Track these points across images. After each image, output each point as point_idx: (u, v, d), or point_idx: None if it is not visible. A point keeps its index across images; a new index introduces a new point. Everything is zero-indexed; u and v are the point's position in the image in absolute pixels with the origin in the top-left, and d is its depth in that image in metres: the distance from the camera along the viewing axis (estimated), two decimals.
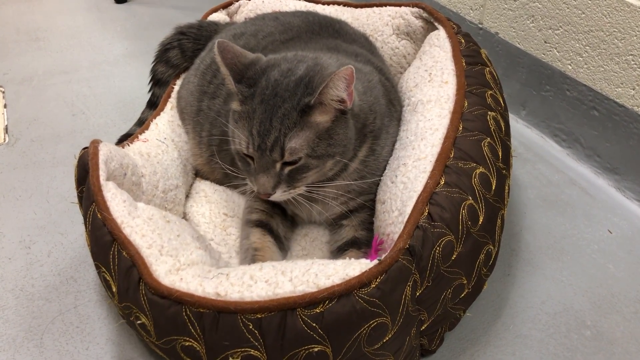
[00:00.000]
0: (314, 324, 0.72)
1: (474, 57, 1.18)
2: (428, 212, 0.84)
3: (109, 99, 1.65)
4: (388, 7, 1.41)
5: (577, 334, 0.97)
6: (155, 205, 1.06)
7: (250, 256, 0.98)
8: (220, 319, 0.74)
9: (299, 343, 0.73)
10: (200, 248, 0.92)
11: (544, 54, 1.40)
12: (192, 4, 2.23)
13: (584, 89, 1.31)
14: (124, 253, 0.82)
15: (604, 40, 1.24)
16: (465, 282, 0.87)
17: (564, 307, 1.02)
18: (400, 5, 1.39)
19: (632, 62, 1.19)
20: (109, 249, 0.83)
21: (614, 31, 1.21)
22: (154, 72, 1.39)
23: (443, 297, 0.85)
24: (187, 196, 1.21)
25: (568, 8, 1.30)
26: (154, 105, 1.42)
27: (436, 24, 1.29)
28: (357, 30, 1.30)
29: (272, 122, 0.86)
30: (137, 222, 0.86)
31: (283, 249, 1.05)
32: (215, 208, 1.15)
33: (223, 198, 1.18)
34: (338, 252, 1.03)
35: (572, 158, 1.38)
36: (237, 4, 1.52)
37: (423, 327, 0.86)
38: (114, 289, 0.82)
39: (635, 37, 1.17)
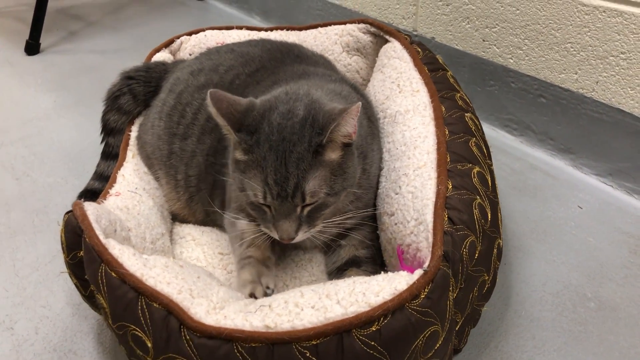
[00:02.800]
0: (372, 342, 0.72)
1: (434, 63, 1.23)
2: (448, 217, 0.86)
3: (51, 155, 1.56)
4: (333, 26, 1.44)
5: (583, 308, 1.04)
6: None
7: (238, 238, 0.98)
8: (274, 351, 0.72)
9: None
10: (222, 285, 0.89)
11: (483, 52, 1.48)
12: (111, 47, 2.16)
13: (528, 79, 1.40)
14: (155, 304, 0.78)
15: (542, 32, 1.33)
16: (487, 278, 0.91)
17: (564, 284, 1.08)
18: (345, 23, 1.42)
19: (572, 49, 1.29)
20: (136, 304, 0.79)
21: (550, 23, 1.30)
22: (105, 121, 1.33)
23: (471, 296, 0.88)
24: (172, 243, 1.16)
25: (502, 6, 1.39)
26: (109, 156, 1.36)
27: (387, 37, 1.33)
28: (315, 52, 1.31)
29: (287, 168, 0.84)
30: (157, 272, 0.82)
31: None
32: (209, 249, 1.12)
33: (213, 238, 1.14)
34: (337, 272, 1.03)
35: (526, 145, 1.47)
36: (178, 41, 1.49)
37: (457, 328, 0.88)
38: (149, 344, 0.78)
39: (570, 27, 1.27)
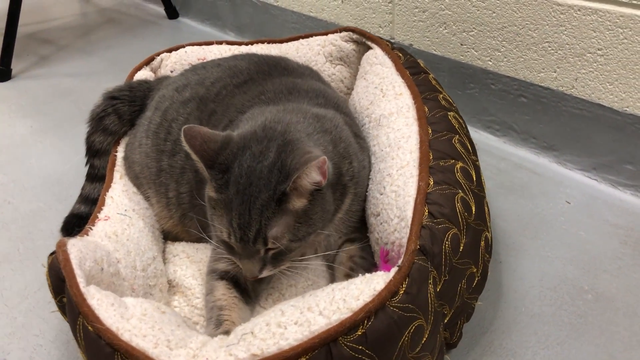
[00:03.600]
0: (360, 347, 0.72)
1: (415, 67, 1.24)
2: (428, 212, 0.87)
3: (32, 181, 1.52)
4: (314, 37, 1.45)
5: (581, 300, 1.05)
6: (139, 286, 0.99)
7: (216, 317, 0.94)
8: None
9: None
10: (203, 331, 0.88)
11: (462, 56, 1.50)
12: (84, 70, 2.13)
13: (508, 80, 1.43)
14: None
15: (519, 34, 1.36)
16: (474, 270, 0.91)
17: (560, 279, 1.10)
18: (326, 34, 1.43)
19: (549, 48, 1.32)
20: None
21: (527, 24, 1.33)
22: (90, 143, 1.31)
23: (459, 288, 0.88)
24: (165, 262, 1.14)
25: (478, 10, 1.41)
26: (95, 178, 1.33)
27: (369, 43, 1.34)
28: (301, 64, 1.31)
29: (251, 214, 0.84)
30: (134, 323, 0.79)
31: (250, 302, 1.00)
32: (204, 267, 1.09)
33: (208, 255, 1.13)
34: (335, 255, 1.04)
35: (510, 145, 1.49)
36: (158, 58, 1.48)
37: (446, 320, 0.88)
38: None
39: (547, 26, 1.30)
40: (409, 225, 0.85)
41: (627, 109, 1.24)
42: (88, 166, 1.34)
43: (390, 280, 0.74)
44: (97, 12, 2.74)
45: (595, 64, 1.25)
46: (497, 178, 1.38)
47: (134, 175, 1.22)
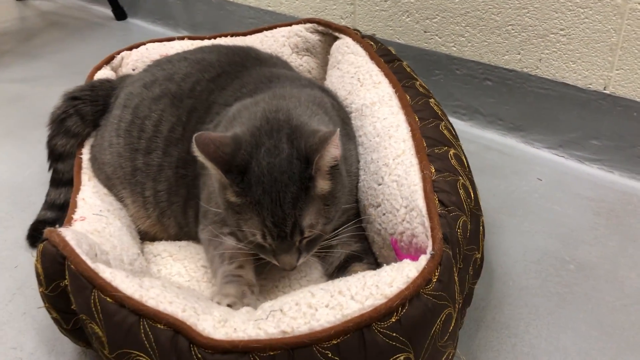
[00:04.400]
0: (394, 334, 0.71)
1: (388, 55, 1.25)
2: (439, 200, 0.87)
3: None
4: (278, 28, 1.43)
5: (564, 271, 1.08)
6: None
7: (228, 257, 0.95)
8: (295, 356, 0.70)
9: (384, 356, 0.71)
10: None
11: (426, 43, 1.52)
12: (32, 74, 2.04)
13: (473, 64, 1.46)
14: (160, 325, 0.73)
15: (482, 18, 1.39)
16: (478, 255, 0.92)
17: (542, 252, 1.13)
18: (290, 25, 1.42)
19: (513, 31, 1.35)
20: (138, 328, 0.73)
21: (490, 8, 1.36)
22: (51, 147, 1.25)
23: (468, 276, 0.89)
24: (147, 262, 1.10)
25: None
26: (60, 183, 1.28)
27: (337, 34, 1.34)
28: (270, 53, 1.30)
29: (284, 209, 0.83)
30: (156, 292, 0.77)
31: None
32: (190, 263, 1.07)
33: (192, 252, 1.09)
34: (339, 271, 1.01)
35: (477, 128, 1.52)
36: (119, 56, 1.43)
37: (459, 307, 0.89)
38: None
39: (510, 9, 1.33)
40: (425, 215, 0.84)
41: (591, 86, 1.29)
42: (51, 171, 1.28)
43: (424, 268, 0.74)
44: (38, 15, 2.62)
45: (558, 44, 1.30)
46: (469, 160, 1.40)
47: (105, 177, 1.17)
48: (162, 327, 0.73)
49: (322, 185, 0.86)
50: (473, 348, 0.95)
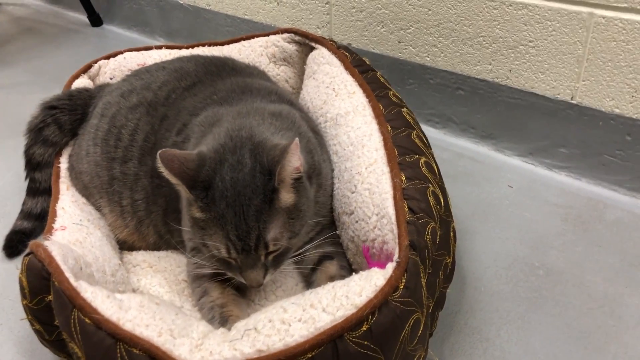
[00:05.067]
0: (365, 342, 0.73)
1: (362, 65, 1.27)
2: (408, 207, 0.90)
3: None
4: (256, 38, 1.45)
5: (534, 276, 1.12)
6: (111, 291, 0.96)
7: (219, 315, 0.94)
8: None
9: None
10: (200, 319, 0.87)
11: (400, 53, 1.56)
12: (5, 82, 2.02)
13: (446, 74, 1.49)
14: (135, 350, 0.73)
15: (454, 30, 1.42)
16: (448, 260, 0.95)
17: (513, 258, 1.16)
18: (267, 35, 1.44)
19: (484, 42, 1.39)
20: (114, 351, 0.74)
21: (462, 20, 1.40)
22: (29, 156, 1.25)
23: (438, 280, 0.92)
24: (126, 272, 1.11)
25: (414, 8, 1.47)
26: (37, 192, 1.28)
27: (313, 44, 1.36)
28: (248, 64, 1.31)
29: (247, 222, 0.84)
30: (133, 314, 0.78)
31: (244, 299, 1.01)
32: (170, 275, 1.07)
33: (172, 264, 1.10)
34: (312, 272, 1.03)
35: (450, 136, 1.56)
36: (96, 65, 1.43)
37: (429, 311, 0.92)
38: None
39: (481, 22, 1.37)
40: (394, 222, 0.86)
41: (559, 96, 1.33)
42: (28, 180, 1.28)
43: (391, 276, 0.76)
44: (11, 21, 2.60)
45: (527, 55, 1.34)
46: (442, 167, 1.41)
47: (82, 186, 1.18)
48: (137, 352, 0.74)
49: (286, 198, 0.87)
50: (446, 353, 0.98)
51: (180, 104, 1.12)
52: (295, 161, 0.85)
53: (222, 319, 0.93)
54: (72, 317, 0.77)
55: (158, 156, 0.85)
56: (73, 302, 0.77)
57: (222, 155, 0.88)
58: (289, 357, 0.71)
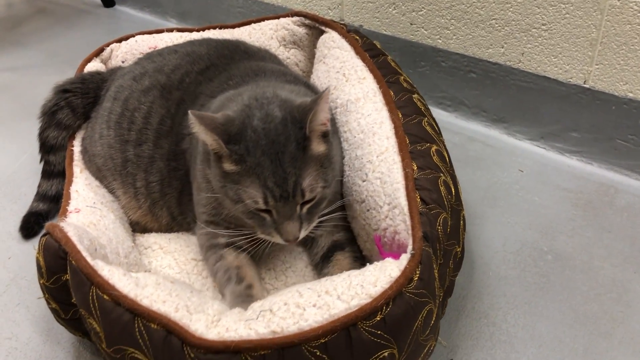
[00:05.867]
0: (379, 331, 0.75)
1: (373, 49, 1.27)
2: (420, 198, 0.90)
3: None
4: (266, 21, 1.45)
5: (542, 261, 1.12)
6: None
7: (235, 275, 0.97)
8: (285, 356, 0.73)
9: (370, 353, 0.75)
10: (214, 298, 0.88)
11: (412, 35, 1.55)
12: (20, 63, 2.03)
13: (458, 57, 1.48)
14: (153, 325, 0.76)
15: (467, 12, 1.41)
16: (458, 249, 0.96)
17: (521, 243, 1.16)
18: (278, 17, 1.44)
19: (496, 25, 1.38)
20: (132, 327, 0.77)
21: (474, 2, 1.39)
22: (43, 139, 1.27)
23: (448, 270, 0.93)
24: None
25: None
26: (52, 174, 1.30)
27: (323, 27, 1.36)
28: (259, 47, 1.31)
29: (284, 168, 0.85)
30: (150, 291, 0.80)
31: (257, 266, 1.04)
32: (180, 256, 1.10)
33: (182, 245, 1.12)
34: (323, 261, 1.04)
35: (461, 119, 1.55)
36: (108, 49, 1.44)
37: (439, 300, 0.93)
38: None
39: (494, 4, 1.36)
40: (406, 213, 0.87)
41: (571, 80, 1.32)
42: (43, 163, 1.30)
43: (406, 267, 0.77)
44: (25, 2, 2.60)
45: (540, 39, 1.32)
46: (452, 152, 1.42)
47: (95, 169, 1.19)
48: (155, 326, 0.76)
49: (317, 147, 0.89)
50: (453, 336, 0.99)
51: (197, 89, 1.12)
52: (325, 110, 0.88)
53: (239, 279, 0.96)
54: (91, 294, 0.80)
55: (190, 115, 0.86)
56: (91, 280, 0.80)
57: (249, 111, 0.90)
58: (303, 340, 0.72)
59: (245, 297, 0.94)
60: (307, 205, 0.90)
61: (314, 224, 0.93)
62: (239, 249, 1.01)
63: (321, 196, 0.91)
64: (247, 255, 1.01)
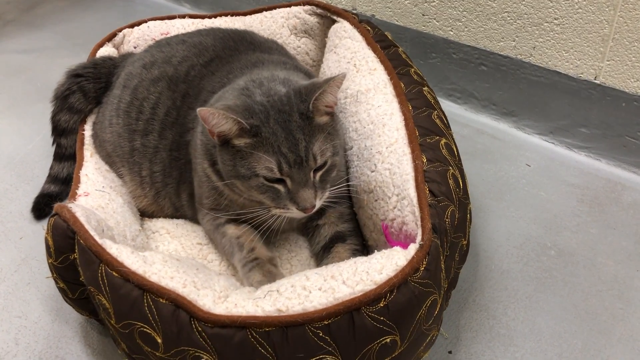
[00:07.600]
0: (382, 318, 0.76)
1: (385, 41, 1.27)
2: (429, 190, 0.91)
3: None
4: (278, 9, 1.45)
5: (545, 256, 1.13)
6: None
7: (236, 244, 1.00)
8: (288, 334, 0.75)
9: (372, 338, 0.77)
10: (220, 274, 0.90)
11: (424, 26, 1.54)
12: (35, 45, 2.05)
13: (469, 49, 1.48)
14: (162, 300, 0.78)
15: (479, 4, 1.40)
16: (464, 242, 0.97)
17: (525, 237, 1.17)
18: (290, 6, 1.44)
19: (508, 18, 1.37)
20: (141, 302, 0.79)
21: None
22: (55, 122, 1.29)
23: (454, 261, 0.94)
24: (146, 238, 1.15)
25: None
26: (63, 157, 1.32)
27: (335, 17, 1.36)
28: (267, 38, 1.32)
29: (294, 135, 0.89)
30: (158, 267, 0.83)
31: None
32: (186, 240, 1.11)
33: (188, 230, 1.14)
34: (324, 251, 1.06)
35: (471, 112, 1.55)
36: (120, 34, 1.45)
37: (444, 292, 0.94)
38: (159, 340, 0.78)
39: None
40: (415, 205, 0.88)
41: (582, 75, 1.31)
42: (55, 145, 1.32)
43: (413, 257, 0.78)
44: None
45: (552, 33, 1.32)
46: (461, 144, 1.42)
47: (105, 154, 1.21)
48: (164, 301, 0.78)
49: (322, 119, 0.93)
50: (453, 328, 1.00)
51: (200, 83, 1.14)
52: (334, 93, 0.92)
53: (239, 246, 1.00)
54: (100, 271, 0.82)
55: (202, 111, 0.88)
56: (100, 257, 0.82)
57: (248, 92, 0.94)
58: (307, 320, 0.74)
59: (250, 262, 0.97)
60: (319, 173, 0.92)
61: (327, 192, 0.95)
62: (236, 221, 1.03)
63: (332, 163, 0.93)
64: (247, 225, 1.03)
